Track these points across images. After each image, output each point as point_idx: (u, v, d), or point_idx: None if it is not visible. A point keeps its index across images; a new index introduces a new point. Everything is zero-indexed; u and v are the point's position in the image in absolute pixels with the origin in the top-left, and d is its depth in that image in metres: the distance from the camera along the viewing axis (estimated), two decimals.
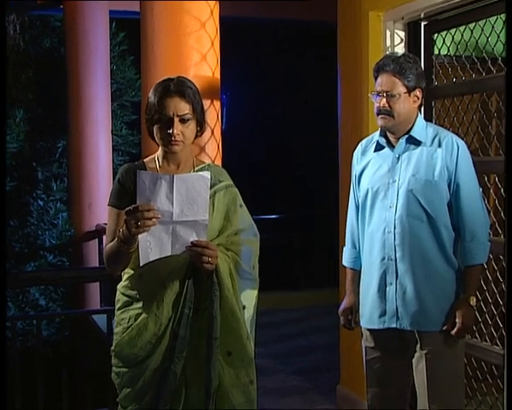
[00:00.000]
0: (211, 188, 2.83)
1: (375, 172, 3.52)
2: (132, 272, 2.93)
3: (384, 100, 3.39)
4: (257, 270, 3.05)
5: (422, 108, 3.88)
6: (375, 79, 3.46)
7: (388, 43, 4.86)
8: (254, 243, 3.05)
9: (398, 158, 3.45)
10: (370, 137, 3.68)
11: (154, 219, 2.68)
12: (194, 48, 4.02)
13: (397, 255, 3.41)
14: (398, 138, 3.46)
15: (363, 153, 3.64)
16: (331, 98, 5.75)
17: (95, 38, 6.99)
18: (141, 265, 2.77)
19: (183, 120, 2.85)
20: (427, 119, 4.24)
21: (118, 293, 3.00)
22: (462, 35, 4.46)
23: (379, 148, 3.54)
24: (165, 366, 2.85)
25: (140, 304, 2.90)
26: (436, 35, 4.67)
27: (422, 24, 4.74)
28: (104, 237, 4.93)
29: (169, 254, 2.77)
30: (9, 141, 7.07)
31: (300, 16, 8.41)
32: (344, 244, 3.80)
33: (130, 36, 7.63)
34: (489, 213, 3.91)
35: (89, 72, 6.97)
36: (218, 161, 4.08)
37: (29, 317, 6.41)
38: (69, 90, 7.04)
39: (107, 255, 2.90)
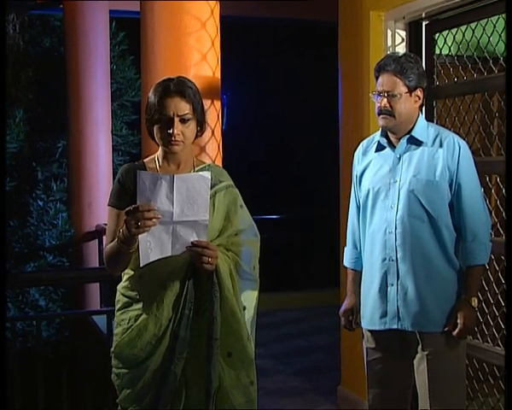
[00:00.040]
0: (211, 188, 2.82)
1: (376, 173, 3.52)
2: (132, 272, 2.92)
3: (385, 100, 3.38)
4: (257, 270, 3.04)
5: (424, 108, 3.86)
6: (376, 78, 3.46)
7: (389, 43, 4.86)
8: (255, 244, 3.05)
9: (400, 158, 3.44)
10: (371, 137, 3.67)
11: (154, 220, 2.67)
12: (195, 48, 4.01)
13: (398, 256, 3.40)
14: (400, 138, 3.45)
15: (364, 153, 3.63)
16: (332, 98, 5.75)
17: (95, 37, 6.97)
18: (141, 265, 2.76)
19: (183, 120, 2.84)
20: (429, 119, 4.25)
21: (118, 294, 3.00)
22: (464, 35, 4.46)
23: (380, 148, 3.54)
24: (166, 367, 2.84)
25: (140, 305, 2.89)
26: (437, 35, 4.67)
27: (424, 23, 4.74)
28: (104, 237, 4.92)
29: (169, 254, 2.77)
30: (9, 141, 7.06)
31: (301, 16, 8.41)
32: (345, 245, 3.80)
33: (130, 36, 7.62)
34: (490, 213, 3.91)
35: (89, 71, 6.95)
36: (219, 161, 4.07)
37: (29, 317, 6.40)
38: (69, 89, 7.03)
39: (107, 256, 2.90)
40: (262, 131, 11.03)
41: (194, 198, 2.72)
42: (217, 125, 4.11)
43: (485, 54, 4.35)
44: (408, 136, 3.44)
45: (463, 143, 3.42)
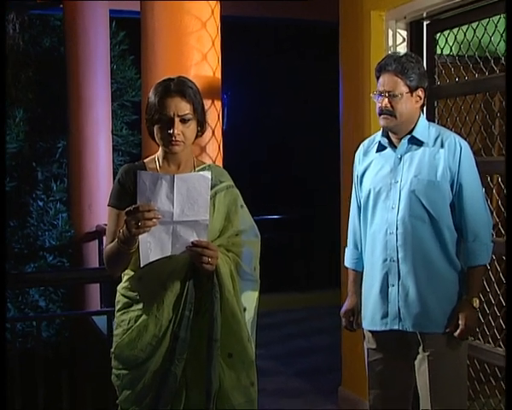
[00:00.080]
0: (211, 189, 2.81)
1: (377, 173, 3.51)
2: (132, 273, 2.91)
3: (386, 100, 3.37)
4: (258, 271, 3.03)
5: (425, 108, 3.86)
6: (377, 78, 3.45)
7: (390, 43, 4.85)
8: (255, 244, 3.04)
9: (401, 158, 3.43)
10: (372, 137, 3.66)
11: (154, 220, 2.66)
12: (195, 47, 4.00)
13: (399, 256, 3.39)
14: (401, 139, 3.44)
15: (365, 153, 3.63)
16: (332, 98, 5.74)
17: (95, 37, 6.97)
18: (141, 265, 2.75)
19: (183, 120, 2.83)
20: (430, 119, 4.23)
21: (118, 294, 2.99)
22: (465, 34, 4.45)
23: (381, 148, 3.53)
24: (166, 368, 2.83)
25: (140, 306, 2.88)
26: (438, 34, 4.66)
27: (425, 23, 4.73)
28: (104, 237, 4.92)
29: (169, 254, 2.76)
30: (9, 141, 7.06)
31: (301, 16, 8.40)
32: (345, 245, 3.79)
33: (130, 35, 7.63)
34: (492, 213, 3.90)
35: (89, 71, 6.95)
36: (219, 162, 4.06)
37: (29, 318, 6.40)
38: (69, 89, 7.03)
39: (107, 256, 2.89)
40: (263, 131, 11.03)
41: (194, 198, 2.72)
42: (217, 125, 4.10)
43: (487, 53, 4.34)
44: (409, 136, 3.43)
45: (465, 144, 3.41)
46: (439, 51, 4.66)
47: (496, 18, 4.20)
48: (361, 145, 3.68)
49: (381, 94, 3.39)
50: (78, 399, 4.74)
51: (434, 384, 3.37)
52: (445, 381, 3.37)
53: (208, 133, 3.94)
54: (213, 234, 2.89)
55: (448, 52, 4.60)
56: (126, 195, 2.87)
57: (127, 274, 2.94)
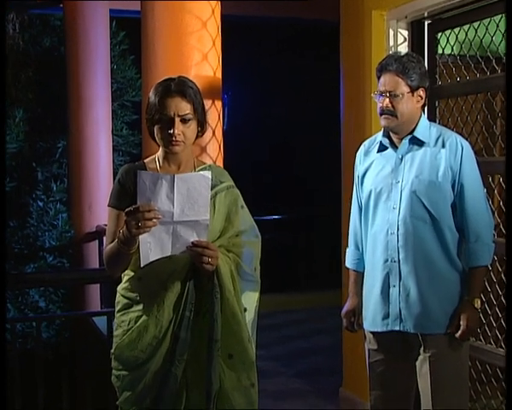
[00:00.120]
0: (212, 189, 2.81)
1: (378, 173, 3.50)
2: (132, 273, 2.91)
3: (387, 100, 3.37)
4: (258, 272, 3.03)
5: (426, 108, 3.85)
6: (378, 78, 3.44)
7: (391, 43, 4.84)
8: (256, 245, 3.03)
9: (402, 159, 3.43)
10: (373, 137, 3.66)
11: (154, 220, 2.66)
12: (196, 47, 3.99)
13: (400, 257, 3.39)
14: (402, 139, 3.44)
15: (366, 153, 3.62)
16: (333, 98, 5.74)
17: (95, 37, 6.96)
18: (141, 266, 2.75)
19: (184, 120, 2.83)
20: (431, 119, 4.23)
21: (118, 295, 2.99)
22: (467, 34, 4.44)
23: (382, 148, 3.52)
24: (166, 369, 2.83)
25: (140, 306, 2.88)
26: (440, 34, 4.66)
27: (426, 23, 4.72)
28: (104, 238, 4.91)
29: (169, 254, 2.76)
30: (9, 141, 7.04)
31: (302, 15, 8.39)
32: (346, 245, 3.78)
33: (130, 35, 7.61)
34: (493, 213, 3.89)
35: (89, 71, 6.93)
36: (220, 162, 4.06)
37: (29, 319, 6.38)
38: (69, 89, 7.01)
39: (107, 257, 2.89)
40: (263, 131, 11.03)
41: (194, 198, 2.71)
42: (218, 125, 4.10)
43: (488, 53, 4.33)
44: (410, 136, 3.42)
45: (466, 144, 3.40)
46: (440, 51, 4.66)
47: (497, 17, 4.20)
48: (362, 145, 3.68)
49: (382, 94, 3.39)
50: (79, 399, 4.73)
51: (436, 385, 3.36)
52: (447, 382, 3.37)
53: (209, 133, 3.93)
54: (214, 234, 2.89)
55: (449, 52, 4.60)
56: (126, 195, 2.86)
57: (127, 275, 2.94)
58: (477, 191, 3.39)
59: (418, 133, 3.41)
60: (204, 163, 3.07)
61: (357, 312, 3.66)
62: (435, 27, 4.67)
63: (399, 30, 4.83)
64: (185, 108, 2.83)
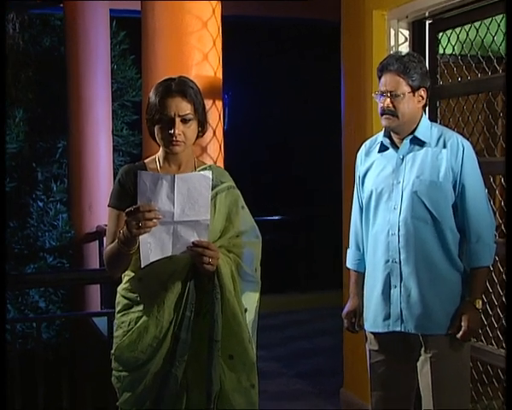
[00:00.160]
0: (212, 189, 2.81)
1: (379, 174, 3.49)
2: (133, 274, 2.90)
3: (388, 100, 3.36)
4: (259, 272, 3.02)
5: (427, 108, 3.84)
6: (379, 78, 3.44)
7: (392, 43, 4.83)
8: (256, 245, 3.03)
9: (403, 159, 3.42)
10: (374, 137, 3.65)
11: (154, 220, 2.65)
12: (196, 47, 3.99)
13: (401, 258, 3.38)
14: (403, 139, 3.43)
15: (367, 154, 3.61)
16: (334, 98, 5.74)
17: (95, 37, 6.95)
18: (142, 266, 2.75)
19: (184, 121, 2.83)
20: (432, 119, 4.21)
21: (118, 295, 2.98)
22: (468, 34, 4.43)
23: (383, 149, 3.52)
24: (166, 370, 2.83)
25: (140, 307, 2.87)
26: (441, 34, 4.65)
27: (427, 23, 4.71)
28: (105, 238, 4.91)
29: (170, 254, 2.75)
30: (9, 141, 7.04)
31: (303, 15, 8.39)
32: (347, 246, 3.77)
33: (130, 35, 7.61)
34: (495, 214, 3.89)
35: (89, 71, 6.93)
36: (220, 162, 4.05)
37: (29, 319, 6.37)
38: (69, 89, 7.00)
39: (108, 257, 2.88)
40: (264, 131, 11.03)
41: (195, 198, 2.71)
42: (218, 125, 4.09)
43: (490, 53, 4.33)
44: (411, 136, 3.41)
45: (467, 144, 3.39)
46: (441, 51, 4.65)
47: (498, 17, 4.19)
48: (363, 145, 3.67)
49: (382, 94, 3.38)
50: (79, 400, 4.73)
51: (437, 386, 3.35)
52: (448, 383, 3.36)
53: (209, 133, 3.92)
54: (214, 235, 2.88)
55: (450, 52, 4.59)
56: (127, 195, 2.86)
57: (127, 275, 2.93)
58: (478, 192, 3.38)
59: (419, 133, 3.40)
60: (204, 163, 3.07)
61: (358, 312, 3.65)
62: (436, 27, 4.66)
63: (400, 30, 4.82)
64: (186, 108, 2.82)
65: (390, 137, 3.48)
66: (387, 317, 3.43)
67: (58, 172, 7.41)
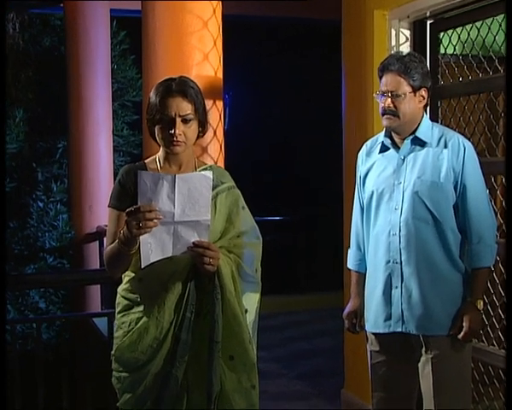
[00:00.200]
0: (213, 189, 2.81)
1: (380, 174, 3.49)
2: (133, 274, 2.90)
3: (389, 100, 3.35)
4: (259, 273, 3.02)
5: (428, 109, 3.83)
6: (380, 78, 3.43)
7: (393, 43, 4.83)
8: (257, 246, 3.02)
9: (404, 159, 3.42)
10: (375, 137, 3.64)
11: (155, 220, 2.65)
12: (197, 47, 3.99)
13: (402, 258, 3.38)
14: (404, 139, 3.42)
15: (368, 154, 3.61)
16: (335, 97, 5.73)
17: (95, 36, 6.94)
18: (142, 266, 2.74)
19: (185, 121, 2.82)
20: (433, 119, 4.20)
21: (118, 296, 2.98)
22: (469, 34, 4.43)
23: (384, 149, 3.51)
24: (167, 371, 2.82)
25: (141, 307, 2.87)
26: (442, 34, 4.65)
27: (428, 22, 4.71)
28: (105, 238, 4.91)
29: (170, 254, 2.75)
30: (9, 141, 7.04)
31: (304, 15, 8.39)
32: (348, 246, 3.77)
33: (131, 35, 7.61)
34: (496, 214, 3.88)
35: (89, 71, 6.92)
36: (221, 162, 4.05)
37: (29, 320, 6.36)
38: (69, 89, 7.00)
39: (108, 257, 2.88)
40: (265, 131, 11.04)
41: (195, 198, 2.71)
42: (219, 125, 4.09)
43: (491, 53, 4.32)
44: (412, 136, 3.41)
45: (468, 144, 3.39)
46: (442, 51, 4.65)
47: (500, 17, 4.18)
48: (364, 146, 3.66)
49: (383, 94, 3.38)
50: (79, 401, 4.72)
51: (438, 387, 3.35)
52: (449, 383, 3.36)
53: (210, 133, 3.92)
54: (215, 235, 2.88)
55: (452, 51, 4.59)
56: (127, 196, 2.85)
57: (128, 276, 2.93)
58: (479, 192, 3.37)
59: (420, 133, 3.39)
60: (205, 164, 3.06)
61: (358, 313, 3.65)
62: (437, 27, 4.66)
63: (401, 29, 4.82)
64: (186, 108, 2.82)
65: (391, 138, 3.48)
66: (388, 318, 3.43)
67: (58, 172, 7.41)
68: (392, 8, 4.81)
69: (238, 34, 8.84)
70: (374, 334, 3.53)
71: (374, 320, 3.50)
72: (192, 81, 2.92)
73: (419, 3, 4.58)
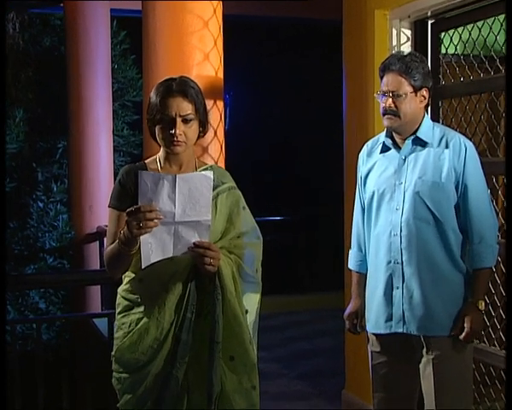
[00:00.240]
0: (213, 190, 2.80)
1: (381, 174, 3.48)
2: (133, 275, 2.89)
3: (390, 100, 3.35)
4: (260, 273, 3.02)
5: (429, 109, 3.83)
6: (381, 78, 3.43)
7: (394, 42, 4.83)
8: (257, 246, 3.02)
9: (405, 159, 3.41)
10: (376, 138, 3.64)
11: (155, 220, 2.65)
12: (197, 47, 3.99)
13: (403, 259, 3.37)
14: (405, 139, 3.42)
15: (369, 154, 3.60)
16: (336, 97, 5.73)
17: (95, 36, 6.94)
18: (142, 267, 2.74)
19: (185, 121, 2.82)
20: (434, 119, 4.20)
21: (118, 297, 2.98)
22: (470, 33, 4.42)
23: (385, 149, 3.51)
24: (167, 371, 2.82)
25: (141, 308, 2.87)
26: (443, 33, 4.64)
27: (429, 22, 4.70)
28: (105, 239, 4.91)
29: (171, 255, 2.75)
30: (9, 141, 7.03)
31: (304, 15, 8.39)
32: (349, 246, 3.76)
33: (131, 35, 7.61)
34: (497, 215, 3.86)
35: (89, 71, 6.92)
36: (222, 162, 4.05)
37: (29, 320, 6.36)
38: (69, 89, 6.99)
39: (108, 258, 2.88)
40: (265, 131, 11.04)
41: (196, 198, 2.70)
42: (219, 125, 4.09)
43: (492, 53, 4.31)
44: (413, 136, 3.40)
45: (470, 144, 3.38)
46: (443, 50, 4.64)
47: (501, 17, 4.17)
48: (365, 146, 3.66)
49: (384, 94, 3.37)
50: (79, 402, 4.71)
51: (439, 388, 3.35)
52: (450, 384, 3.35)
53: (210, 134, 3.92)
54: (215, 236, 2.87)
55: (453, 51, 4.58)
56: (127, 196, 2.85)
57: (128, 276, 2.92)
58: (481, 192, 3.37)
59: (421, 134, 3.39)
60: (205, 164, 3.06)
61: (359, 314, 3.65)
62: (438, 27, 4.65)
63: (402, 29, 4.81)
64: (187, 108, 2.81)
65: (392, 138, 3.47)
66: (389, 318, 3.42)
67: (58, 172, 7.40)
68: (393, 8, 4.81)
69: (238, 34, 8.84)
70: (375, 334, 3.53)
71: (375, 321, 3.50)
72: (192, 81, 2.91)
73: (420, 3, 4.58)
